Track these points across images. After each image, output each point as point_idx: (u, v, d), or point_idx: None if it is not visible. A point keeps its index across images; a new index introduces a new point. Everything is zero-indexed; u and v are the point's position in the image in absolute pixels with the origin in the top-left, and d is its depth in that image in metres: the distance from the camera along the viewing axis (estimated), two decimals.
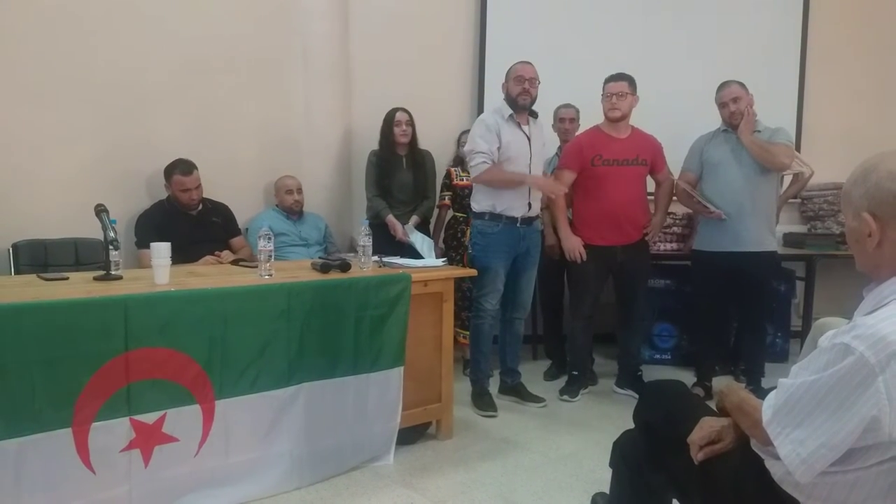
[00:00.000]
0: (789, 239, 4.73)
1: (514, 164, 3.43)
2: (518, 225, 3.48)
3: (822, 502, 1.30)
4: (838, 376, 1.20)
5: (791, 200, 4.66)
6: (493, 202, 3.46)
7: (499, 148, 3.39)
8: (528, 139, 3.48)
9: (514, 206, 3.46)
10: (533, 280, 3.67)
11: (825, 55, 5.09)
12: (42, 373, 2.02)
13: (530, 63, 3.46)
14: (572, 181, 3.67)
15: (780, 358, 4.48)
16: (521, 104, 3.43)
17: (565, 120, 4.18)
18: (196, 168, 3.71)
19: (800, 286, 4.57)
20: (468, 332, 4.11)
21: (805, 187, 4.50)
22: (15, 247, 3.41)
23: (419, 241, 3.84)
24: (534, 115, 3.53)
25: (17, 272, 3.34)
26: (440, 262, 3.33)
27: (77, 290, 2.32)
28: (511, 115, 3.44)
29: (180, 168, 3.67)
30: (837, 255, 4.36)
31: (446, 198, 4.31)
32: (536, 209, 3.57)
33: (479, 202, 3.52)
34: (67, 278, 2.58)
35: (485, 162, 3.38)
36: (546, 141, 3.67)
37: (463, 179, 4.20)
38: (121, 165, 3.77)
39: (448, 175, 4.31)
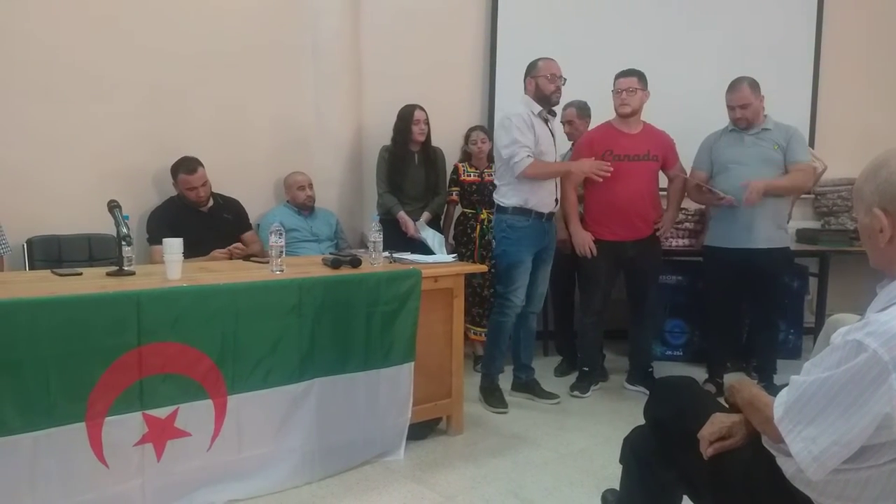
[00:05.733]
0: (803, 235, 4.69)
1: (545, 158, 3.44)
2: (544, 220, 3.49)
3: (835, 500, 1.30)
4: (851, 373, 1.19)
5: (804, 196, 4.62)
6: (526, 197, 3.41)
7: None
8: (553, 135, 3.51)
9: (546, 201, 3.47)
10: (549, 273, 3.67)
11: (839, 50, 5.04)
12: (56, 367, 2.04)
13: (554, 59, 3.45)
14: (583, 177, 3.66)
15: (792, 354, 4.45)
16: (554, 101, 3.46)
17: (564, 123, 4.18)
18: (201, 165, 3.71)
19: (813, 282, 4.53)
20: (479, 329, 4.12)
21: (818, 183, 4.46)
22: (29, 242, 3.45)
23: (430, 237, 3.83)
24: (552, 112, 3.54)
25: (32, 267, 3.37)
26: (450, 257, 3.34)
27: (90, 285, 2.34)
28: (540, 112, 3.44)
29: (184, 167, 3.68)
30: (851, 251, 4.31)
31: (454, 193, 4.30)
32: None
33: (509, 197, 3.44)
34: (81, 273, 2.59)
35: (529, 156, 3.33)
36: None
37: (470, 175, 4.20)
38: (133, 162, 3.79)
39: (455, 171, 4.30)
